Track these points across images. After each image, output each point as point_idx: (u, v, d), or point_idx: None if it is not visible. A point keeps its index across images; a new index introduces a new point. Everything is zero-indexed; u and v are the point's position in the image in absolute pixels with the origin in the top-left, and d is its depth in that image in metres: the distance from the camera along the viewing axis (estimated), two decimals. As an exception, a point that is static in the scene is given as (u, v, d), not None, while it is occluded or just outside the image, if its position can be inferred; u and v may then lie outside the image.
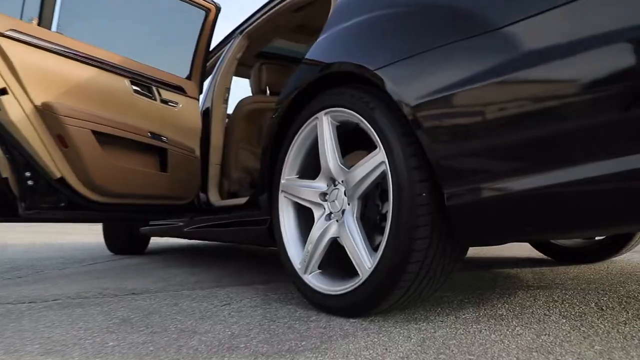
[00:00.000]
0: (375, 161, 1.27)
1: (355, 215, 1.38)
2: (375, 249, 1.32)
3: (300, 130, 1.63)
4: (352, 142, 1.65)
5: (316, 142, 1.56)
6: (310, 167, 1.67)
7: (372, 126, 1.29)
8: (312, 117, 1.56)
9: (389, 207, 1.22)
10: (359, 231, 1.34)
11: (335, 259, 1.57)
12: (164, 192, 2.47)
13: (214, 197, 2.72)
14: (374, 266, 1.26)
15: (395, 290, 1.23)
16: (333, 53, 1.51)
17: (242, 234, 2.22)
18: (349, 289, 1.34)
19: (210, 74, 3.09)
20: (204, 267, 2.84)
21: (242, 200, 2.26)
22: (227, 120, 3.06)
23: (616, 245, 2.39)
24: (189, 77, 2.69)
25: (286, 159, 1.69)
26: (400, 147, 1.20)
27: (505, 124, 0.96)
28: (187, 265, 3.02)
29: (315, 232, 1.51)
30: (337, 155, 1.45)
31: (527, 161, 0.94)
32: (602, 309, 1.40)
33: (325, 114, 1.49)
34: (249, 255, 3.62)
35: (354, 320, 1.34)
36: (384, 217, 1.42)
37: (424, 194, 1.16)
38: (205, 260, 3.29)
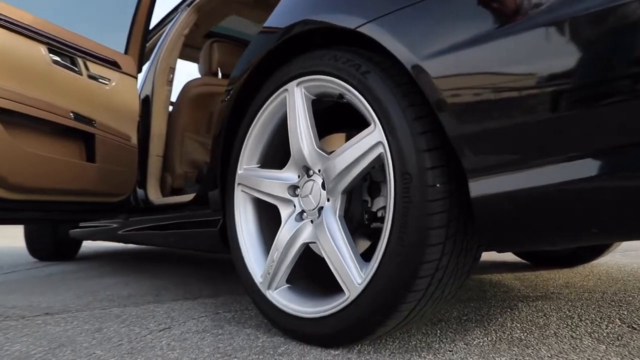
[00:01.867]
0: (369, 142, 0.96)
1: (338, 214, 1.06)
2: (365, 257, 1.01)
3: (262, 108, 1.28)
4: (327, 124, 1.33)
5: (284, 121, 1.23)
6: (276, 154, 1.33)
7: (364, 96, 0.97)
8: (280, 90, 1.22)
9: (389, 204, 0.91)
10: (344, 235, 1.02)
11: (310, 270, 1.24)
12: (92, 187, 2.03)
13: (154, 194, 2.30)
14: (366, 282, 0.94)
15: (396, 313, 0.92)
16: (305, 9, 1.18)
17: (187, 238, 1.84)
18: (331, 311, 1.02)
19: (153, 51, 2.66)
20: (142, 276, 2.41)
21: (187, 198, 1.88)
22: (170, 105, 2.65)
23: (595, 249, 2.23)
24: (125, 52, 2.26)
25: (244, 144, 1.34)
26: (406, 122, 0.89)
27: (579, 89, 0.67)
28: (122, 273, 2.57)
29: (282, 236, 1.17)
30: (313, 137, 1.12)
31: (606, 140, 0.66)
32: (633, 328, 1.16)
33: (298, 84, 1.16)
34: (197, 260, 3.21)
35: (336, 353, 1.02)
36: (374, 216, 1.11)
37: (438, 185, 0.86)
38: (145, 266, 2.85)
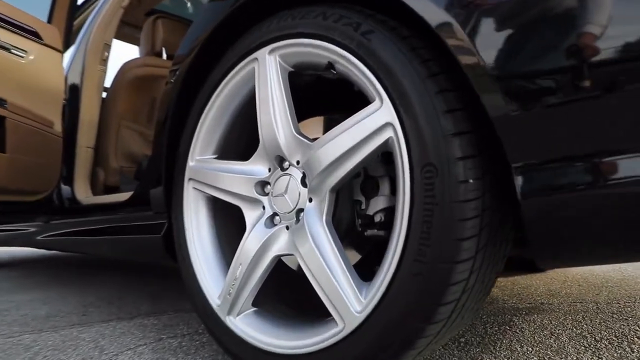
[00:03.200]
0: (373, 123, 0.72)
1: (324, 218, 0.81)
2: (362, 276, 0.77)
3: (222, 85, 1.01)
4: (299, 107, 1.07)
5: (251, 100, 0.97)
6: (239, 142, 1.06)
7: (366, 63, 0.74)
8: (246, 60, 0.96)
9: (401, 206, 0.68)
10: (335, 247, 0.78)
11: (284, 288, 0.98)
12: (2, 182, 1.65)
13: (83, 193, 1.94)
14: (368, 310, 0.70)
15: (408, 352, 0.69)
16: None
17: (123, 246, 1.52)
18: (317, 347, 0.77)
19: (85, 24, 2.28)
20: (67, 290, 2.04)
21: (123, 197, 1.56)
22: (104, 92, 2.28)
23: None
24: (49, 20, 1.88)
25: (197, 130, 1.06)
26: (427, 97, 0.66)
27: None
28: (43, 286, 2.17)
29: (248, 247, 0.91)
30: (290, 120, 0.87)
31: None
32: (660, 350, 1.01)
33: (272, 51, 0.90)
34: (136, 268, 2.83)
35: (323, 402, 0.77)
36: (369, 222, 0.87)
37: (471, 181, 0.64)
38: (72, 277, 2.45)
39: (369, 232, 0.87)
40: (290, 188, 0.88)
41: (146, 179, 1.40)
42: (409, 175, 0.67)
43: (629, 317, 1.28)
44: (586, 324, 1.22)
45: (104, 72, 2.17)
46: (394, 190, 0.86)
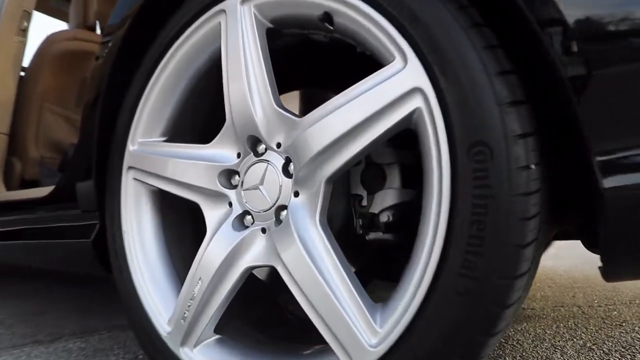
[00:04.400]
0: (394, 89, 0.53)
1: (318, 218, 0.61)
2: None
3: (175, 46, 0.79)
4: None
5: (214, 65, 0.76)
6: (196, 120, 0.84)
7: (384, 10, 0.55)
8: (209, 13, 0.74)
9: (435, 201, 0.50)
10: (336, 256, 0.58)
11: (253, 307, 0.77)
12: None
13: (-7, 187, 1.60)
14: (389, 343, 0.52)
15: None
16: None
17: (43, 253, 1.23)
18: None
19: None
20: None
21: (43, 192, 1.26)
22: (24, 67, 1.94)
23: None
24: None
25: (140, 106, 0.83)
26: (474, 53, 0.48)
27: None
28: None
29: (210, 256, 0.69)
30: (270, 89, 0.66)
31: None
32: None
33: (243, 1, 0.69)
34: (59, 275, 2.46)
35: None
36: (373, 222, 0.68)
37: (532, 167, 0.47)
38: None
39: (371, 236, 0.68)
40: (268, 179, 0.67)
41: (72, 170, 1.13)
42: (447, 159, 0.49)
43: (623, 323, 1.19)
44: (583, 333, 1.11)
45: (23, 44, 1.82)
46: (405, 182, 0.67)
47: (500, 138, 0.46)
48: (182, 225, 0.83)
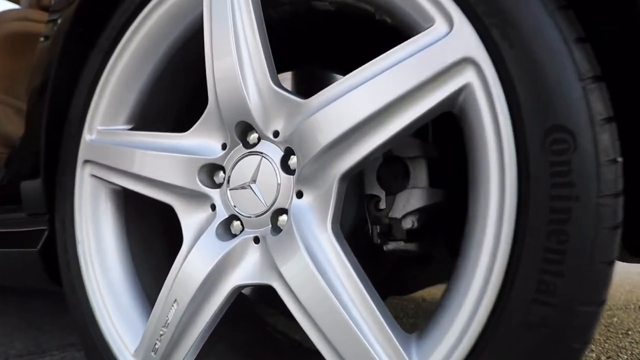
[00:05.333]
0: (436, 60, 0.42)
1: (330, 225, 0.49)
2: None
3: (142, 14, 0.65)
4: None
5: (193, 37, 0.62)
6: (171, 105, 0.70)
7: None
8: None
9: (494, 204, 0.39)
10: (356, 273, 0.46)
11: (238, 328, 0.64)
12: None
13: None
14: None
15: None
16: None
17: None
18: None
19: None
20: None
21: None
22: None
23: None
24: None
25: (99, 86, 0.68)
26: (546, 13, 0.37)
27: None
28: None
29: (189, 272, 0.56)
30: (266, 64, 0.53)
31: None
32: None
33: (231, -46, 0.55)
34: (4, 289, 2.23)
35: None
36: (393, 229, 0.56)
37: (619, 159, 0.36)
38: None
39: (391, 246, 0.56)
40: (262, 175, 0.54)
41: (16, 166, 0.96)
42: (512, 150, 0.38)
43: (629, 331, 1.13)
44: (592, 344, 1.04)
45: (-38, 24, 1.61)
46: (432, 181, 0.56)
47: (586, 122, 0.35)
48: (152, 234, 0.69)
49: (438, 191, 0.56)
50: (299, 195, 0.52)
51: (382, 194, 0.56)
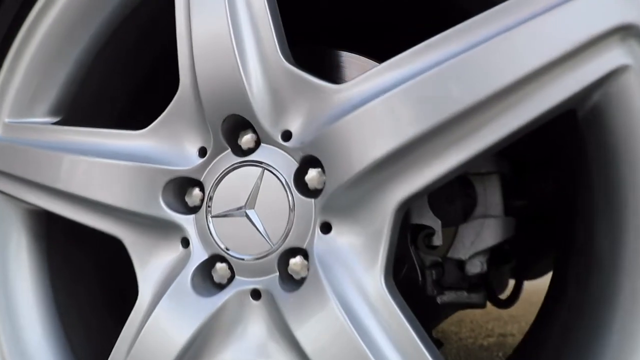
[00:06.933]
0: (569, 31, 0.25)
1: (383, 273, 0.32)
2: None
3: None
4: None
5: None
6: (120, 87, 0.49)
7: None
8: None
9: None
10: (423, 345, 0.29)
11: None
12: None
13: None
14: None
15: None
16: None
17: None
18: None
19: None
20: None
21: None
22: None
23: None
24: None
25: (7, 60, 0.46)
26: None
27: None
28: None
29: (150, 345, 0.36)
30: (274, 30, 0.35)
31: None
32: None
33: None
34: None
35: None
36: (451, 275, 0.39)
37: None
38: None
39: (448, 298, 0.39)
40: (266, 196, 0.36)
41: None
42: None
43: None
44: None
45: None
46: (508, 207, 0.39)
47: None
48: (90, 281, 0.47)
49: (511, 220, 0.40)
50: (326, 228, 0.35)
51: (436, 225, 0.39)
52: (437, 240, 0.38)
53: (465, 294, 0.39)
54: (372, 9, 0.50)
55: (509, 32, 0.28)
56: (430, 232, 0.39)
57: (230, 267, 0.38)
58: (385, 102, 0.30)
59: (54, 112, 0.46)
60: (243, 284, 0.37)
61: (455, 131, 0.29)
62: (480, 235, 0.38)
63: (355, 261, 0.33)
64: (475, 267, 0.38)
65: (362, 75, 0.33)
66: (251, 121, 0.36)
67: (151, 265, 0.39)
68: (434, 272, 0.39)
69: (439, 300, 0.39)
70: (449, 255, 0.38)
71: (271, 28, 0.35)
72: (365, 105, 0.31)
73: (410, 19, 0.49)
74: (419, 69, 0.30)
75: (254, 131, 0.37)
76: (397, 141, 0.30)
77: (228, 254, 0.37)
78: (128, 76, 0.49)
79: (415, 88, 0.29)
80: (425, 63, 0.30)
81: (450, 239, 0.39)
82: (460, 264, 0.39)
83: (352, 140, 0.31)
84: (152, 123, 0.40)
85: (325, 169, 0.34)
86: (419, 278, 0.39)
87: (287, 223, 0.35)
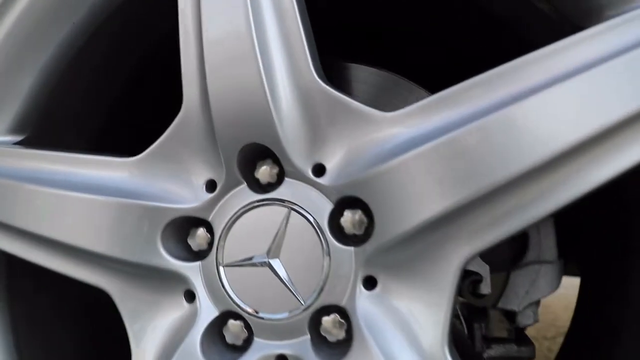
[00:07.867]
0: None
1: (447, 342, 0.27)
2: None
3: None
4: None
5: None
6: (103, 100, 0.41)
7: None
8: None
9: None
10: None
11: None
12: None
13: None
14: None
15: None
16: None
17: None
18: None
19: None
20: None
21: None
22: None
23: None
24: None
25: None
26: None
27: None
28: None
29: None
30: (306, 42, 0.28)
31: None
32: None
33: None
34: None
35: None
36: (499, 327, 0.35)
37: None
38: None
39: (496, 352, 0.34)
40: (293, 242, 0.30)
41: None
42: None
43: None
44: None
45: None
46: (564, 251, 0.35)
47: None
48: (68, 345, 0.39)
49: (562, 264, 0.35)
50: (370, 283, 0.29)
51: (484, 271, 0.34)
52: (485, 289, 0.33)
53: (515, 347, 0.34)
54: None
55: (608, 63, 0.23)
56: (477, 280, 0.34)
57: (248, 327, 0.31)
58: (460, 140, 0.25)
59: (15, 129, 0.38)
60: (265, 347, 0.30)
61: (546, 178, 0.24)
62: (536, 284, 0.33)
63: (411, 324, 0.27)
64: (528, 318, 0.34)
65: (418, 104, 0.27)
66: (275, 151, 0.30)
67: (148, 325, 0.32)
68: (482, 325, 0.34)
69: (485, 355, 0.34)
70: (500, 305, 0.34)
71: (302, 35, 0.29)
72: (433, 141, 0.25)
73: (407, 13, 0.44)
74: (495, 103, 0.25)
75: (275, 162, 0.31)
76: (473, 189, 0.24)
77: (245, 310, 0.31)
78: (107, 86, 0.40)
79: (498, 125, 0.24)
80: (501, 97, 0.25)
81: (500, 288, 0.34)
82: (510, 315, 0.34)
83: (414, 184, 0.26)
84: (149, 148, 0.33)
85: (374, 214, 0.28)
86: (464, 331, 0.34)
87: (322, 276, 0.29)
